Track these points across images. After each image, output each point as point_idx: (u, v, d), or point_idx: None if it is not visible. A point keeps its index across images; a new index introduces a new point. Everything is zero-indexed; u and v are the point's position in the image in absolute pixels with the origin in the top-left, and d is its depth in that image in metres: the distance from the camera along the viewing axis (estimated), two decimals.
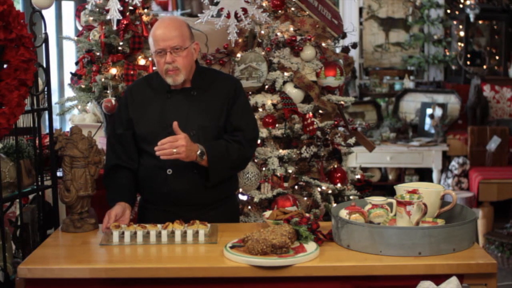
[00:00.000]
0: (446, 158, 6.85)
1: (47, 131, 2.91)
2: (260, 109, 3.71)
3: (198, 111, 2.76)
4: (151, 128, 2.74)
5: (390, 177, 7.09)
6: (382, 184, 6.94)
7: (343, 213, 2.49)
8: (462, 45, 7.37)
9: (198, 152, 2.65)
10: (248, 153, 2.85)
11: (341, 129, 4.05)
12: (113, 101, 3.56)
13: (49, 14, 5.08)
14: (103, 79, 3.61)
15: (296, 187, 3.69)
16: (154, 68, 3.67)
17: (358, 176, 4.04)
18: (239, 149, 2.78)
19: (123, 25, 3.61)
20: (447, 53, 7.51)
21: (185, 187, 2.75)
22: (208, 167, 2.70)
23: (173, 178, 2.74)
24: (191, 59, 2.75)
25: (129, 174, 2.81)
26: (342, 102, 3.87)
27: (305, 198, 3.63)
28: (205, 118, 2.75)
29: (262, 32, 3.78)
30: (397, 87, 7.58)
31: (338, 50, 4.29)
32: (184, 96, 2.78)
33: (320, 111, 3.86)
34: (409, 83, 7.49)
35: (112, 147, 2.84)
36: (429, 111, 7.09)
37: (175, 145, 2.59)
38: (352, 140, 3.91)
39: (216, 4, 3.55)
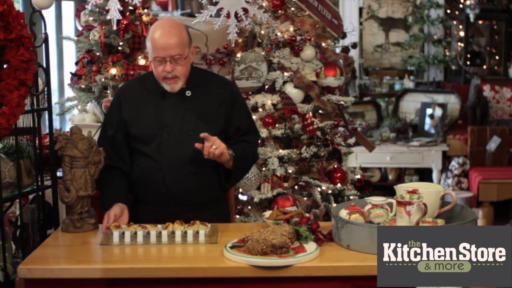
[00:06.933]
0: (446, 158, 6.85)
1: (47, 131, 2.90)
2: (260, 109, 3.71)
3: (194, 113, 2.75)
4: (146, 129, 2.73)
5: (390, 177, 7.09)
6: (382, 184, 6.94)
7: (343, 213, 2.49)
8: (462, 45, 7.37)
9: (231, 152, 2.69)
10: (257, 155, 2.98)
11: (341, 129, 4.05)
12: None
13: (49, 14, 5.08)
14: (103, 79, 3.60)
15: (296, 187, 3.69)
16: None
17: (358, 176, 4.04)
18: (252, 152, 2.89)
19: (123, 25, 3.60)
20: (447, 53, 7.51)
21: (183, 187, 2.74)
22: (233, 169, 2.76)
23: (171, 179, 2.73)
24: (189, 65, 2.75)
25: (122, 175, 2.80)
26: (342, 102, 3.87)
27: (305, 198, 3.63)
28: (201, 121, 2.73)
29: (262, 32, 3.78)
30: (397, 87, 7.58)
31: (338, 50, 4.29)
32: (179, 97, 2.77)
33: (320, 111, 3.86)
34: (409, 83, 7.49)
35: (104, 148, 2.81)
36: (429, 111, 7.09)
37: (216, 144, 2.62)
38: (352, 140, 3.92)
39: (215, 4, 3.55)
